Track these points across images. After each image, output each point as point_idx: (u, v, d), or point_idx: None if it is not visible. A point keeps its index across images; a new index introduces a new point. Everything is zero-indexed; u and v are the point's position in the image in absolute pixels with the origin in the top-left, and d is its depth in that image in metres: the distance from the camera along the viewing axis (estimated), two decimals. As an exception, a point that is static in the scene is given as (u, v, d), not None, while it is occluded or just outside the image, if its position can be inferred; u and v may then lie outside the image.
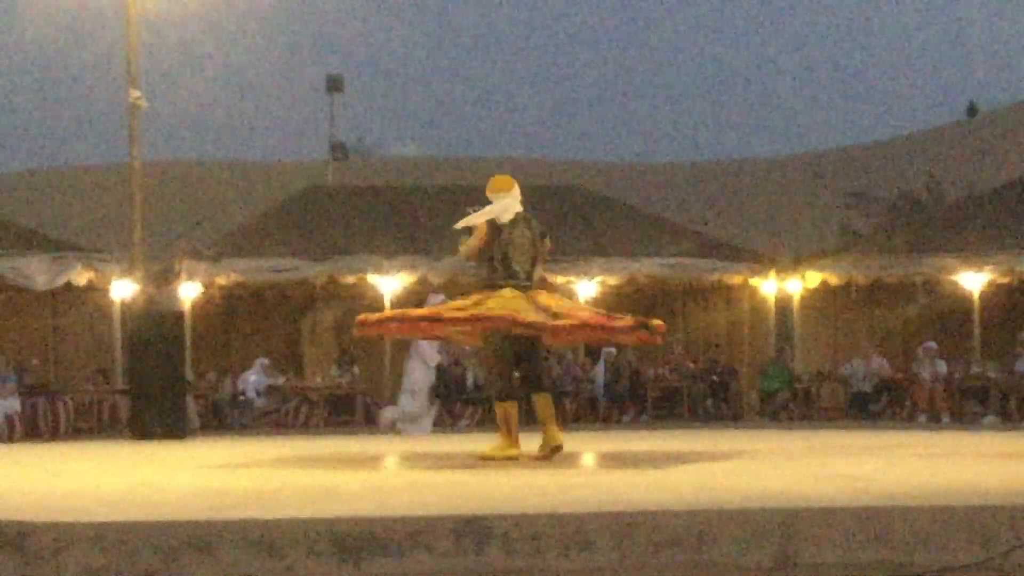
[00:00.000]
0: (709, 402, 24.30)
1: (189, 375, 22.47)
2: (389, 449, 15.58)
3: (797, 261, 25.96)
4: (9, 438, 20.42)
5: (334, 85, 45.99)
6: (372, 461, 13.42)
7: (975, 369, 23.53)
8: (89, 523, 7.37)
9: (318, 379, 24.59)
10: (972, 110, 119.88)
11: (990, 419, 22.31)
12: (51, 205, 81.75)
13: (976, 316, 24.02)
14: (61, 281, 22.69)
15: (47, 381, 23.10)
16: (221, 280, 24.33)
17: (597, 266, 24.34)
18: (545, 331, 12.58)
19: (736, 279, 25.47)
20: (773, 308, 25.45)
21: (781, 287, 25.25)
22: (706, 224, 71.22)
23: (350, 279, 24.36)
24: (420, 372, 20.27)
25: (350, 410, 24.02)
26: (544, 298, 12.54)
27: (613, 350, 23.99)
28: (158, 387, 20.42)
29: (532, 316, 12.07)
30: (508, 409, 12.51)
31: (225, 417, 23.33)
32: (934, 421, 22.37)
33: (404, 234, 25.05)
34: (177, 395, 20.78)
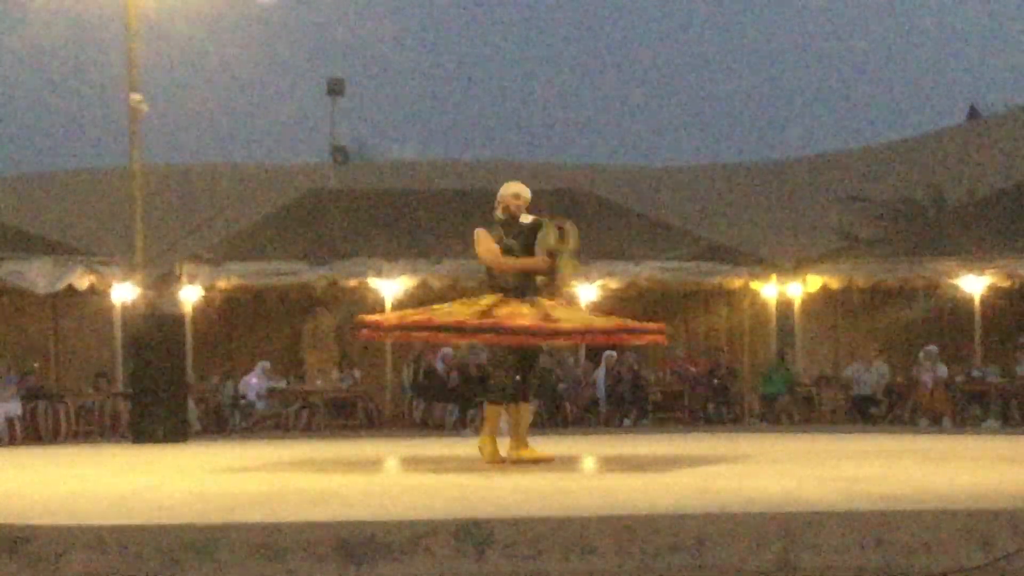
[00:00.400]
0: (710, 406, 24.29)
1: (190, 378, 22.47)
2: (390, 453, 15.57)
3: (798, 265, 25.95)
4: (10, 441, 20.43)
5: (335, 88, 45.90)
6: (373, 465, 13.42)
7: (976, 373, 23.53)
8: (90, 526, 7.38)
9: (319, 382, 24.59)
10: (973, 114, 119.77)
11: (991, 423, 22.31)
12: (52, 209, 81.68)
13: (977, 320, 24.00)
14: (62, 284, 22.69)
15: (48, 384, 23.09)
16: (222, 283, 24.32)
17: (598, 269, 24.33)
18: (547, 338, 12.59)
19: (737, 283, 25.47)
20: (774, 312, 25.44)
21: (782, 291, 25.24)
22: (694, 209, 71.24)
23: (351, 282, 24.36)
24: None
25: (351, 413, 24.02)
26: (551, 308, 12.53)
27: (614, 353, 23.98)
28: (159, 390, 20.43)
29: (535, 323, 12.06)
30: (499, 412, 12.55)
31: (226, 421, 23.33)
32: (935, 425, 22.37)
33: (405, 237, 25.04)
34: (178, 398, 20.79)
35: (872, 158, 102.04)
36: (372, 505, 8.55)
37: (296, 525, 7.30)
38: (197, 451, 16.97)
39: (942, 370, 23.35)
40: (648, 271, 24.75)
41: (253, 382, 23.84)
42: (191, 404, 21.96)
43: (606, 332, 13.03)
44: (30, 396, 21.54)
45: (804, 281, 25.07)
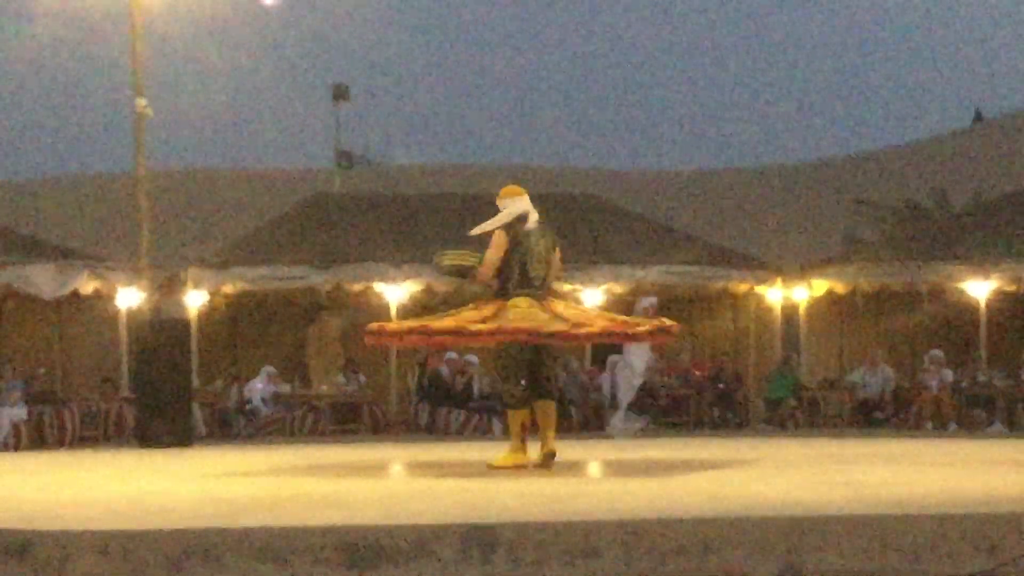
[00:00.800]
0: (715, 410, 24.27)
1: (195, 383, 22.48)
2: (395, 457, 15.58)
3: (803, 269, 25.92)
4: (15, 446, 20.43)
5: (340, 93, 45.95)
6: (378, 469, 13.43)
7: (981, 377, 23.50)
8: (95, 531, 7.38)
9: (324, 387, 24.59)
10: (978, 117, 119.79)
11: (996, 427, 22.30)
12: (57, 213, 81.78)
13: (982, 324, 23.98)
14: (67, 289, 22.70)
15: (53, 389, 23.10)
16: (227, 288, 24.33)
17: (603, 274, 24.33)
18: (567, 339, 12.60)
19: (742, 287, 25.46)
20: (779, 316, 25.43)
21: (787, 295, 25.23)
22: (700, 213, 71.23)
23: (356, 287, 24.36)
24: (623, 377, 21.30)
25: (356, 418, 24.02)
26: (559, 307, 12.54)
27: (619, 358, 23.95)
28: (164, 395, 20.43)
29: (553, 327, 12.07)
30: (521, 417, 12.54)
31: (231, 425, 23.33)
32: (940, 429, 22.34)
33: (410, 242, 25.04)
34: (183, 403, 20.79)
35: (877, 162, 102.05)
36: (377, 510, 8.55)
37: (301, 530, 7.30)
38: (202, 456, 16.97)
39: (947, 374, 23.33)
40: (653, 275, 24.73)
41: (258, 387, 23.84)
42: (196, 409, 21.96)
43: (615, 334, 13.02)
44: (35, 401, 21.55)
45: (809, 285, 25.06)
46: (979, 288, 23.84)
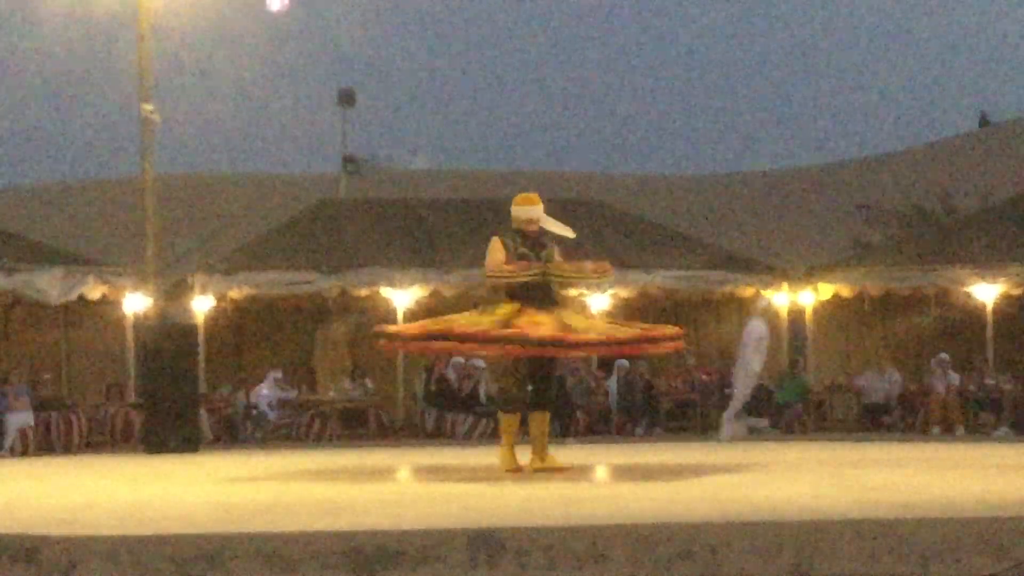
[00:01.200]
0: (722, 414, 24.24)
1: (202, 388, 22.48)
2: (402, 462, 15.58)
3: (809, 273, 25.89)
4: (23, 452, 20.44)
5: (346, 98, 46.01)
6: (385, 474, 13.43)
7: (988, 381, 23.47)
8: (102, 537, 7.39)
9: (331, 392, 24.59)
10: (984, 121, 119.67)
11: (1003, 431, 22.26)
12: (64, 219, 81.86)
13: (989, 328, 23.94)
14: (74, 295, 22.70)
15: (60, 395, 23.09)
16: (234, 293, 24.33)
17: (609, 279, 24.29)
18: (579, 349, 12.60)
19: (748, 291, 25.43)
20: (786, 320, 25.40)
21: (793, 299, 25.20)
22: (706, 218, 71.23)
23: (363, 292, 24.35)
24: (739, 377, 21.27)
25: (363, 423, 24.01)
26: (568, 316, 12.52)
27: (626, 363, 23.95)
28: (171, 401, 20.43)
29: (568, 335, 12.03)
30: (514, 421, 12.55)
31: (238, 431, 23.32)
32: (947, 433, 22.32)
33: (417, 247, 25.04)
34: (190, 409, 20.79)
35: (883, 166, 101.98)
36: (384, 514, 8.55)
37: (308, 535, 7.31)
38: (209, 461, 16.97)
39: (954, 378, 23.30)
40: (659, 280, 24.73)
41: (265, 392, 23.84)
42: (203, 414, 21.96)
43: (627, 343, 13.02)
44: (42, 406, 21.54)
45: (816, 289, 25.03)
46: (986, 292, 23.81)
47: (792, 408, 23.90)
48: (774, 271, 26.20)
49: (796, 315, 25.33)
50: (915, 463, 13.71)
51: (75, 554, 7.19)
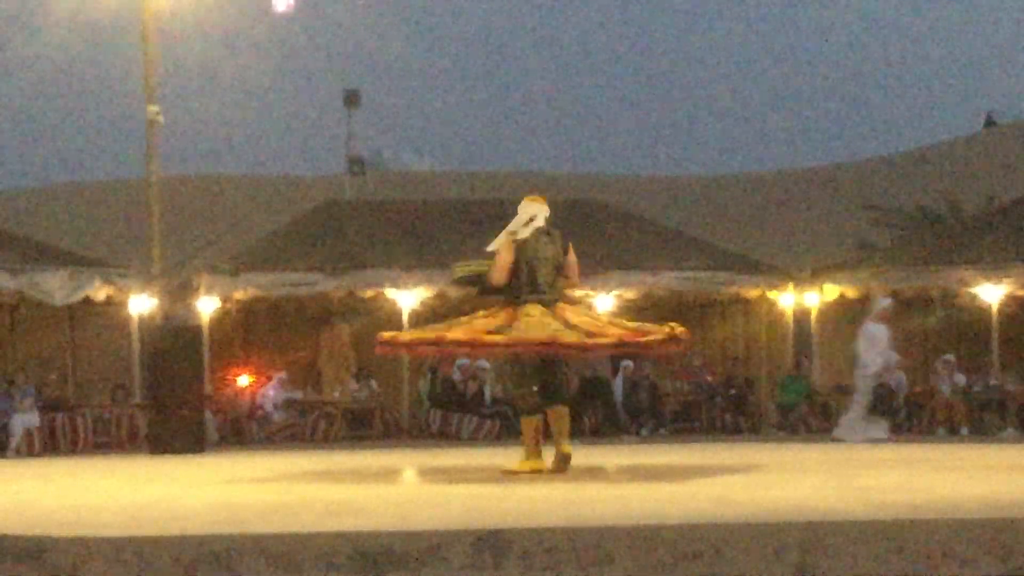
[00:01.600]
0: (727, 415, 24.25)
1: (207, 389, 22.49)
2: (407, 463, 15.58)
3: (815, 274, 25.86)
4: (28, 453, 20.47)
5: (351, 99, 45.95)
6: (390, 475, 13.43)
7: (994, 382, 23.45)
8: (108, 538, 7.39)
9: (336, 393, 24.59)
10: (990, 122, 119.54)
11: (1009, 432, 22.24)
12: (69, 220, 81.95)
13: (994, 328, 23.92)
14: (79, 296, 22.72)
15: (66, 396, 23.12)
16: (239, 294, 24.34)
17: (614, 280, 24.29)
18: (583, 351, 12.58)
19: (754, 292, 25.43)
20: (791, 321, 25.38)
21: (799, 300, 25.19)
22: (711, 218, 71.16)
23: (368, 293, 24.36)
24: (860, 377, 21.20)
25: (368, 424, 24.02)
26: (571, 314, 12.51)
27: (631, 363, 23.96)
28: (176, 402, 20.45)
29: (568, 338, 12.03)
30: (535, 423, 12.53)
31: (243, 431, 23.34)
32: (953, 434, 22.31)
33: (422, 248, 25.04)
34: (195, 410, 20.81)
35: (889, 167, 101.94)
36: (389, 515, 8.56)
37: (313, 536, 7.31)
38: (214, 462, 16.98)
39: (960, 379, 23.29)
40: (665, 281, 24.72)
41: (270, 393, 23.86)
42: (208, 415, 21.98)
43: (628, 344, 12.99)
44: (48, 407, 21.58)
45: (821, 290, 25.01)
46: (991, 292, 23.78)
47: (796, 409, 23.91)
48: (780, 272, 26.19)
49: (801, 316, 25.32)
50: (920, 464, 13.70)
51: (80, 555, 7.20)
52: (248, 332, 26.08)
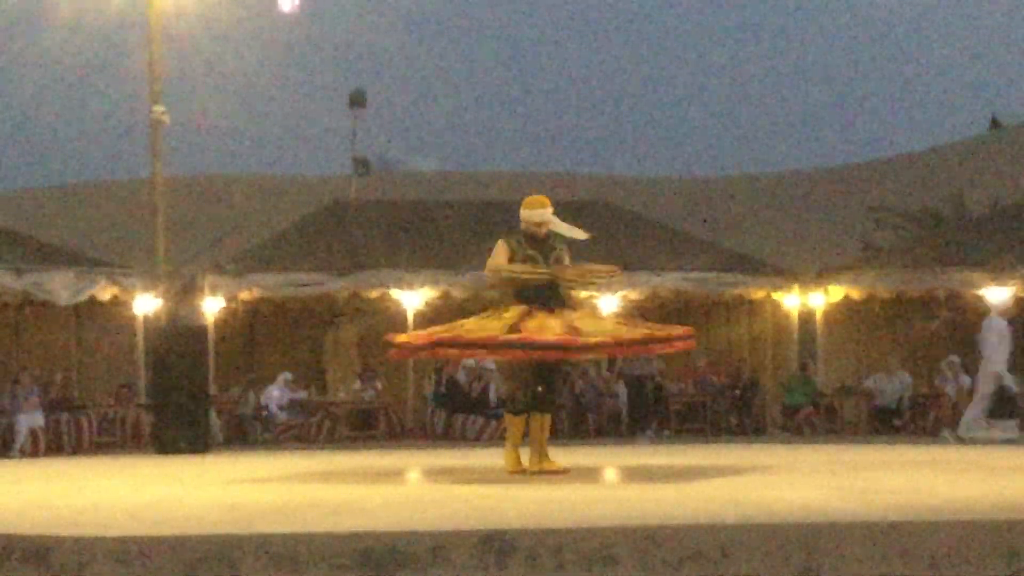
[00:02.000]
0: (732, 417, 24.25)
1: (212, 389, 22.49)
2: (412, 463, 15.57)
3: (820, 275, 25.86)
4: (33, 453, 20.48)
5: (356, 100, 45.92)
6: (395, 475, 13.42)
7: (999, 383, 23.41)
8: (113, 537, 7.39)
9: (341, 394, 24.60)
10: (995, 124, 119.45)
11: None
12: (74, 220, 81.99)
13: (1000, 330, 23.88)
14: (84, 296, 22.73)
15: (70, 396, 23.14)
16: (244, 295, 24.35)
17: (619, 280, 24.28)
18: (587, 351, 12.57)
19: (759, 293, 25.42)
20: (796, 322, 25.38)
21: (804, 301, 25.17)
22: (704, 221, 71.16)
23: (373, 293, 24.36)
24: (984, 373, 20.98)
25: (373, 424, 24.03)
26: (577, 318, 12.50)
27: (636, 364, 23.94)
28: (181, 402, 20.46)
29: (576, 339, 12.00)
30: (520, 424, 12.55)
31: (248, 432, 23.35)
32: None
33: (427, 248, 25.05)
34: (200, 410, 20.82)
35: (894, 168, 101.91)
36: (394, 516, 8.55)
37: (318, 536, 7.31)
38: (219, 462, 16.98)
39: (965, 380, 23.26)
40: (670, 282, 24.71)
41: (275, 393, 23.87)
42: (213, 415, 21.98)
43: (636, 344, 12.98)
44: (53, 407, 21.59)
45: (826, 291, 25.00)
46: (996, 294, 23.75)
47: (802, 410, 23.90)
48: (785, 273, 26.18)
49: (806, 317, 25.31)
50: (925, 466, 13.68)
51: (85, 555, 7.20)
52: (253, 332, 26.10)
